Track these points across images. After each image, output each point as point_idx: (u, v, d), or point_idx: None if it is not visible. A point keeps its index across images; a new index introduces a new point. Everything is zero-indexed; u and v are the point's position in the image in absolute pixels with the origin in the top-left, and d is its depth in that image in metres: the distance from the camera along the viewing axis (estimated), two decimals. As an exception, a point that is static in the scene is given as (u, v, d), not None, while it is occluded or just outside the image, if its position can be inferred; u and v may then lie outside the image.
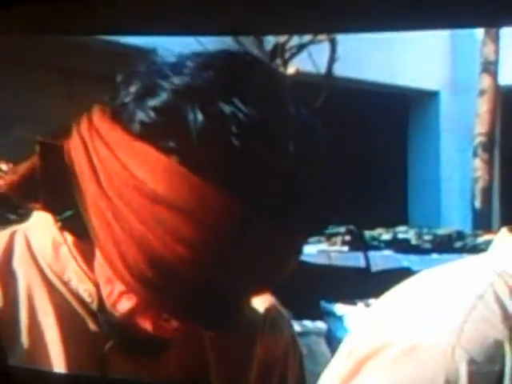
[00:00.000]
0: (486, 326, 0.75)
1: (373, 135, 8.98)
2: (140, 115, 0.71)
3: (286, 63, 7.20)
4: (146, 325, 0.75)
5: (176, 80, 0.71)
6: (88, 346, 0.78)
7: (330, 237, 5.53)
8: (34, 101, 6.74)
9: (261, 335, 0.86)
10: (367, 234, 5.95)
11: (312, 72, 7.20)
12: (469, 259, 0.88)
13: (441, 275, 0.84)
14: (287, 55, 7.25)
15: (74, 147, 0.75)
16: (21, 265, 0.81)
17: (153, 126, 0.70)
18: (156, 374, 0.80)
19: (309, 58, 7.12)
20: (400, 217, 8.28)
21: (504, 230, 0.86)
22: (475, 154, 9.10)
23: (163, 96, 0.71)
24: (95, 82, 6.29)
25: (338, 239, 5.60)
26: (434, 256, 5.79)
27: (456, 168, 9.92)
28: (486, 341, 0.75)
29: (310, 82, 5.73)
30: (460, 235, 6.38)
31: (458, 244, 6.16)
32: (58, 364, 0.78)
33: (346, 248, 5.57)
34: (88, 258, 0.78)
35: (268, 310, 0.87)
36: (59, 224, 0.79)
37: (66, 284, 0.80)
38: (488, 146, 9.07)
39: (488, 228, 7.82)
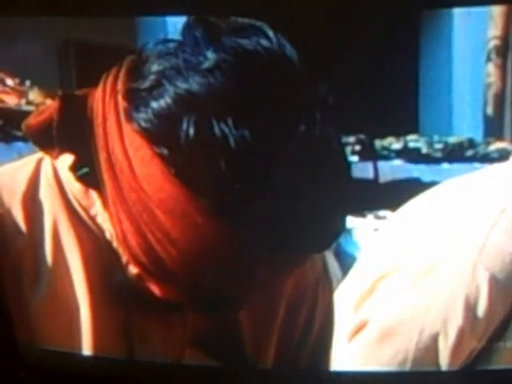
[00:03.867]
0: (507, 242, 0.73)
1: (384, 41, 8.86)
2: (141, 114, 0.68)
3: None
4: (154, 288, 0.73)
5: (182, 84, 0.67)
6: (112, 284, 0.77)
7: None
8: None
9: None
10: (377, 143, 5.93)
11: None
12: (488, 170, 0.85)
13: (460, 189, 0.81)
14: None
15: (97, 100, 0.72)
16: (47, 196, 0.79)
17: (149, 130, 0.68)
18: (182, 329, 0.79)
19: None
20: (411, 125, 8.24)
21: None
22: (488, 59, 8.97)
23: (165, 100, 0.67)
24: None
25: (348, 149, 5.58)
26: (445, 166, 5.79)
27: (468, 75, 9.80)
28: (507, 257, 0.73)
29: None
30: (471, 143, 6.36)
31: (470, 152, 6.14)
32: (83, 302, 0.77)
33: (355, 158, 5.56)
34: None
35: None
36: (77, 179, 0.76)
37: (92, 218, 0.78)
38: (501, 51, 8.93)
39: (500, 136, 7.78)
